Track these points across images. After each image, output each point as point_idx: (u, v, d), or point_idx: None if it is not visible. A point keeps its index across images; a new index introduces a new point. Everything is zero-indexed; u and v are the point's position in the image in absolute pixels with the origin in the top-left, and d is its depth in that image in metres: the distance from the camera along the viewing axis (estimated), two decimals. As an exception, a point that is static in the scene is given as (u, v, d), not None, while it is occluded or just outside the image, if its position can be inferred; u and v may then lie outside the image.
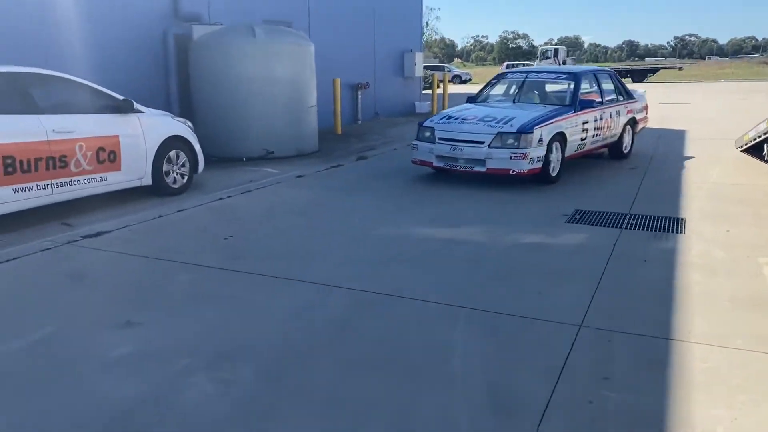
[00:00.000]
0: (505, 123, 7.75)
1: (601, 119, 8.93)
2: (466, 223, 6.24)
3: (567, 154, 8.27)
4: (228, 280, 4.62)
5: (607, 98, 9.35)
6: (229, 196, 7.41)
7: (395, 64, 18.56)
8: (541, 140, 7.61)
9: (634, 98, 10.24)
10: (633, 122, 10.19)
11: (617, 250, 5.39)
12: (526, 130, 7.56)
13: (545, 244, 5.64)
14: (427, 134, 8.18)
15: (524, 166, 7.53)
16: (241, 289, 4.47)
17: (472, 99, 9.37)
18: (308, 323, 3.93)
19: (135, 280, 4.68)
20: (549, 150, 7.78)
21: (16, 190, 5.71)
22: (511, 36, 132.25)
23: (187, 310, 4.08)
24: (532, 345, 3.66)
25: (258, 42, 10.22)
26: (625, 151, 10.07)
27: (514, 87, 9.36)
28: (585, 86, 9.10)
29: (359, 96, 16.09)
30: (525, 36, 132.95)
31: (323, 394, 3.11)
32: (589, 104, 8.59)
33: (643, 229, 6.01)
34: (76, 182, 6.26)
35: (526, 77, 9.38)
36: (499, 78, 9.85)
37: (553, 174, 8.03)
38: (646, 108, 10.83)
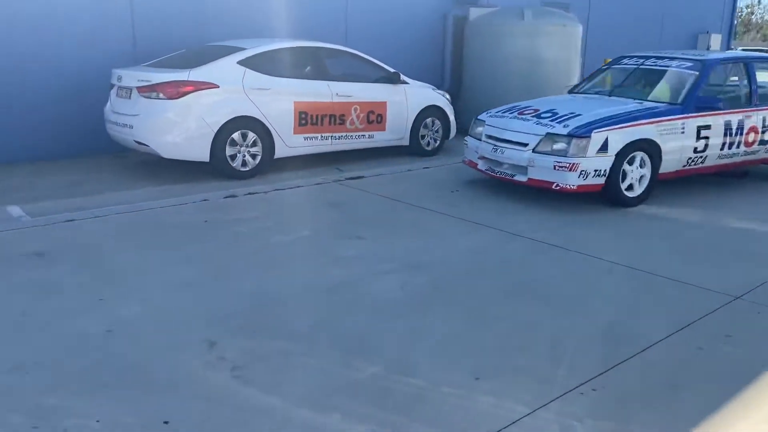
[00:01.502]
0: (561, 121, 6.13)
1: (741, 125, 6.79)
2: (683, 205, 6.38)
3: (664, 169, 6.35)
4: (439, 221, 5.68)
5: (761, 98, 7.10)
6: (471, 160, 8.45)
7: (685, 46, 17.55)
8: (604, 148, 5.89)
9: None
10: None
11: (837, 246, 5.16)
12: (580, 132, 5.90)
13: (756, 230, 5.62)
14: (479, 129, 6.89)
15: (571, 181, 5.86)
16: (445, 227, 5.50)
17: (572, 89, 7.90)
18: (484, 257, 4.82)
19: (373, 211, 6.01)
20: (622, 162, 6.02)
21: (306, 138, 7.49)
22: None
23: (400, 235, 5.25)
24: (674, 303, 4.05)
25: (525, 23, 10.97)
26: None
27: (621, 76, 7.56)
28: (718, 80, 7.16)
29: (635, 78, 15.74)
30: None
31: (470, 305, 4.00)
32: (711, 104, 6.54)
33: None
34: (349, 137, 7.88)
35: (642, 64, 7.38)
36: (611, 64, 7.93)
37: (632, 195, 6.17)
38: None
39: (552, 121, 6.20)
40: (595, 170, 5.91)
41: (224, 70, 6.92)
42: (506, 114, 6.74)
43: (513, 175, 6.28)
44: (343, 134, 7.81)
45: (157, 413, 2.78)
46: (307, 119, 7.44)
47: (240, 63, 7.02)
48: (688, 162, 6.53)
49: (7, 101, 7.39)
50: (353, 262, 4.63)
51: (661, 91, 6.88)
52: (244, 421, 2.75)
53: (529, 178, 6.13)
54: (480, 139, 6.76)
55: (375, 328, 3.63)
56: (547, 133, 6.06)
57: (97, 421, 2.72)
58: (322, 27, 9.80)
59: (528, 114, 6.52)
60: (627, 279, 4.44)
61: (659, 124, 6.22)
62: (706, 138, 6.55)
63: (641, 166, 6.20)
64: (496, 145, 6.46)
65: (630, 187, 6.17)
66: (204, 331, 3.52)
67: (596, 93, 7.40)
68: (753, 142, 7.02)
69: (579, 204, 6.28)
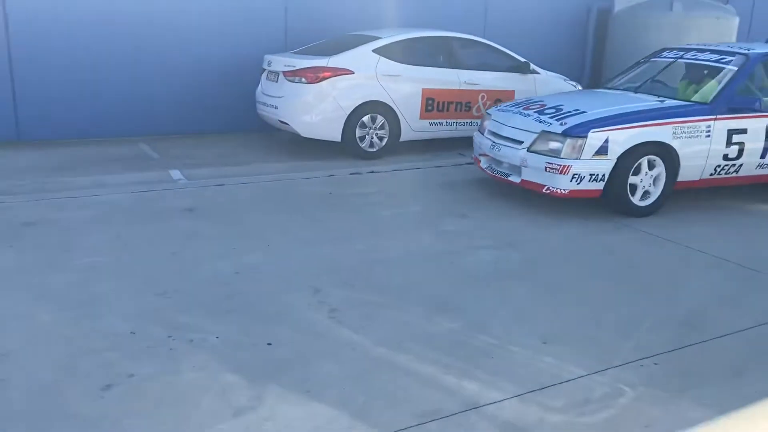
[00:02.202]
0: (561, 119, 5.57)
1: None
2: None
3: (684, 177, 5.65)
4: (548, 206, 5.86)
5: None
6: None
7: None
8: (603, 150, 5.30)
9: None
10: None
11: None
12: (575, 132, 5.34)
13: None
14: (485, 123, 6.39)
15: (562, 184, 5.34)
16: (552, 212, 5.68)
17: (603, 83, 7.11)
18: (583, 241, 5.00)
19: (484, 193, 6.29)
20: (628, 166, 5.39)
21: (431, 123, 7.91)
22: None
23: (504, 217, 5.53)
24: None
25: (673, 15, 10.58)
26: None
27: (655, 70, 6.69)
28: (765, 77, 6.19)
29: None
30: None
31: (557, 281, 4.24)
32: (750, 104, 5.70)
33: None
34: (474, 124, 8.17)
35: (680, 57, 6.55)
36: (650, 58, 7.09)
37: (641, 204, 5.56)
38: None
39: (552, 117, 5.66)
40: (591, 174, 5.33)
41: (360, 57, 7.50)
42: (512, 108, 6.26)
43: (509, 175, 5.82)
44: (468, 121, 8.13)
45: (264, 337, 3.36)
46: (433, 105, 7.84)
47: (375, 51, 7.57)
48: (716, 170, 5.77)
49: (177, 83, 8.51)
50: (454, 236, 5.01)
51: (692, 88, 6.16)
52: (331, 351, 3.25)
53: (522, 179, 5.66)
54: (484, 135, 6.32)
55: (461, 292, 4.00)
56: (543, 131, 5.56)
57: (216, 337, 3.35)
58: (461, 18, 10.12)
59: (533, 109, 6.00)
60: (726, 272, 4.44)
61: (677, 125, 5.51)
62: (740, 144, 5.74)
63: (651, 174, 5.55)
64: (494, 142, 6.01)
65: (640, 195, 5.56)
66: (312, 280, 4.08)
67: (625, 88, 6.62)
68: None
69: (698, 198, 6.16)
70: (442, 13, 10.00)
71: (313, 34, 8.87)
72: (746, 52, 6.08)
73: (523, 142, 5.67)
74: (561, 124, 5.49)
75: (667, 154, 5.53)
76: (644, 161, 5.47)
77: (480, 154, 6.33)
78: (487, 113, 6.56)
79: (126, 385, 2.92)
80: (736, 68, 5.91)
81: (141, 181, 6.27)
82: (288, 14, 9.04)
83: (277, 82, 7.59)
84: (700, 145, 5.62)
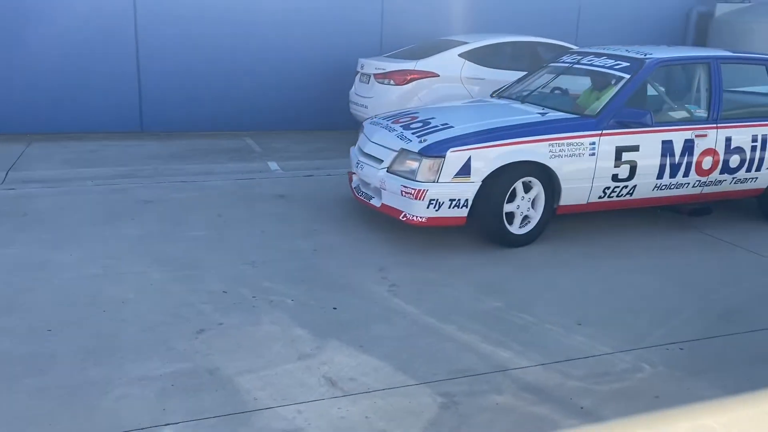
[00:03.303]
0: (423, 134, 4.85)
1: (691, 147, 5.17)
2: None
3: (567, 201, 4.94)
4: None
5: (733, 110, 5.53)
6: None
7: None
8: (465, 171, 4.59)
9: None
10: None
11: None
12: (432, 151, 4.63)
13: None
14: (359, 136, 5.68)
15: (419, 211, 4.60)
16: (617, 212, 5.91)
17: (495, 92, 6.36)
18: (643, 239, 5.22)
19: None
20: (500, 189, 4.69)
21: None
22: None
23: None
24: (816, 300, 4.13)
25: (777, 20, 10.26)
26: None
27: (549, 78, 5.96)
28: (667, 86, 5.72)
29: None
30: None
31: (606, 273, 4.55)
32: (641, 118, 4.92)
33: None
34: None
35: (577, 62, 5.79)
36: (549, 62, 6.40)
37: (518, 232, 4.87)
38: None
39: (415, 133, 4.92)
40: (452, 200, 4.62)
41: (446, 61, 7.97)
42: (382, 121, 5.52)
43: (371, 198, 5.11)
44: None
45: (331, 302, 3.93)
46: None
47: (460, 55, 8.01)
48: (605, 192, 5.03)
49: (282, 84, 9.33)
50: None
51: (583, 98, 5.48)
52: (386, 317, 3.77)
53: (382, 203, 4.95)
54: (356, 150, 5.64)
55: (512, 276, 4.41)
56: (402, 149, 4.84)
57: (291, 300, 3.95)
58: (554, 22, 10.34)
59: (401, 122, 5.25)
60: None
61: (554, 142, 4.76)
62: (632, 162, 5.00)
63: (529, 198, 4.86)
64: (359, 160, 5.31)
65: (519, 221, 4.90)
66: (379, 259, 4.61)
67: (515, 98, 5.84)
68: (710, 170, 5.31)
69: None
70: (535, 17, 10.27)
71: (406, 39, 9.43)
72: (642, 57, 5.37)
73: (383, 161, 4.99)
74: (420, 142, 4.79)
75: (544, 175, 4.84)
76: (519, 184, 4.79)
77: (351, 172, 5.64)
78: (362, 125, 5.87)
79: (215, 330, 3.57)
80: (627, 76, 5.20)
81: (243, 170, 7.06)
82: (384, 21, 9.65)
83: (368, 83, 8.19)
84: (584, 164, 4.89)
